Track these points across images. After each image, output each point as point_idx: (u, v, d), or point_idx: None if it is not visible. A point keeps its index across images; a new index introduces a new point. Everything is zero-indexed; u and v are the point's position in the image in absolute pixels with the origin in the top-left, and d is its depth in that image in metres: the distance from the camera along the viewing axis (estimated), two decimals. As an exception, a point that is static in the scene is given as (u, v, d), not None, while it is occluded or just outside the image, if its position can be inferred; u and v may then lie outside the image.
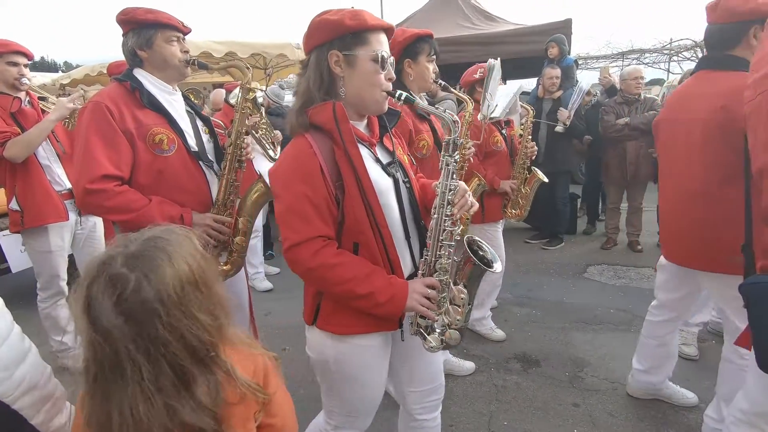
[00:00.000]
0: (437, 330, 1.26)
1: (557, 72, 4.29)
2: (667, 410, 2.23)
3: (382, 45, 1.20)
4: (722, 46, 1.73)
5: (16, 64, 2.44)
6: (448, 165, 1.21)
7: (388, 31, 1.24)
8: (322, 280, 1.19)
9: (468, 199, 1.26)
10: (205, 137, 1.87)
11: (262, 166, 3.78)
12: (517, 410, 2.29)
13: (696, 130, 1.75)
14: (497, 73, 2.49)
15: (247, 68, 1.88)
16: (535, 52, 4.73)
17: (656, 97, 5.91)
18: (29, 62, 2.54)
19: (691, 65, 9.79)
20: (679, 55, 11.06)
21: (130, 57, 1.74)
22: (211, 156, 1.86)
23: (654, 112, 4.24)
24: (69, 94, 2.90)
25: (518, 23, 5.79)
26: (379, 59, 1.18)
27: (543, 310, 3.44)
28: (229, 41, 6.26)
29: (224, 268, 1.86)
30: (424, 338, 1.26)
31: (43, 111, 2.60)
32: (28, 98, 2.56)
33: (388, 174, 1.28)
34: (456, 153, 1.21)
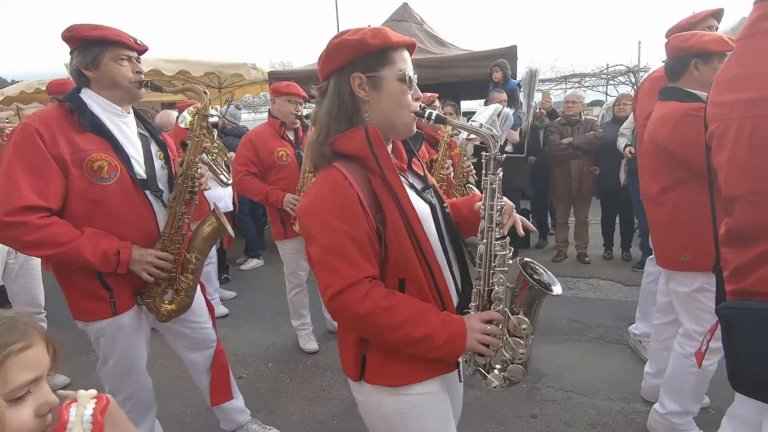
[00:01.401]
0: (497, 366, 1.14)
1: (504, 96, 4.51)
2: (617, 415, 2.34)
3: (407, 63, 1.11)
4: (672, 77, 1.98)
5: None
6: (492, 184, 1.11)
7: (411, 47, 1.14)
8: (375, 327, 1.04)
9: (516, 217, 1.18)
10: (158, 163, 1.74)
11: (215, 193, 3.66)
12: (478, 425, 2.32)
13: (643, 151, 2.11)
14: (535, 80, 2.51)
15: (205, 92, 1.78)
16: (483, 75, 4.98)
17: (595, 118, 6.36)
18: None
19: (625, 89, 10.64)
20: (615, 79, 11.97)
21: (76, 77, 1.62)
22: (162, 184, 1.73)
23: (594, 133, 4.56)
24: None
25: (467, 49, 6.06)
26: (407, 79, 1.08)
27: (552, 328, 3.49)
28: (180, 59, 6.11)
29: (169, 307, 1.75)
30: (484, 377, 1.14)
31: None
32: None
33: (425, 200, 1.17)
34: (499, 170, 1.12)
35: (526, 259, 1.16)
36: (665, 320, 2.32)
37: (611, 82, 12.45)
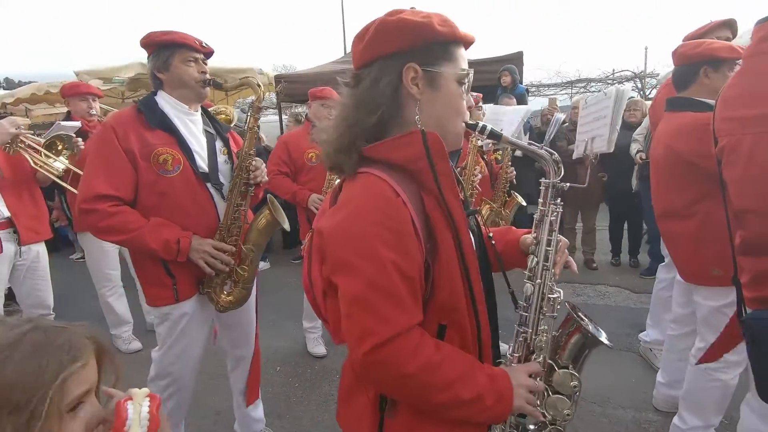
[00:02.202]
0: (531, 427, 0.99)
1: (513, 101, 4.52)
2: (629, 424, 2.32)
3: (466, 62, 0.94)
4: (681, 86, 1.95)
5: None
6: (550, 215, 0.96)
7: (469, 45, 0.97)
8: (422, 389, 0.84)
9: (567, 255, 1.04)
10: (221, 158, 1.82)
11: None
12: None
13: (659, 164, 2.01)
14: (622, 101, 2.38)
15: (258, 85, 1.83)
16: (490, 81, 5.00)
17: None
18: None
19: (631, 94, 10.63)
20: (622, 84, 11.99)
21: (152, 79, 1.76)
22: (224, 178, 1.81)
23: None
24: (10, 114, 2.71)
25: (474, 56, 6.09)
26: (466, 81, 0.93)
27: (506, 330, 3.50)
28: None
29: (228, 298, 1.80)
30: None
31: None
32: None
33: (470, 229, 0.99)
34: (558, 199, 0.97)
35: (569, 302, 1.04)
36: (682, 331, 2.29)
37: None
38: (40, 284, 2.70)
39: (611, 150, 2.55)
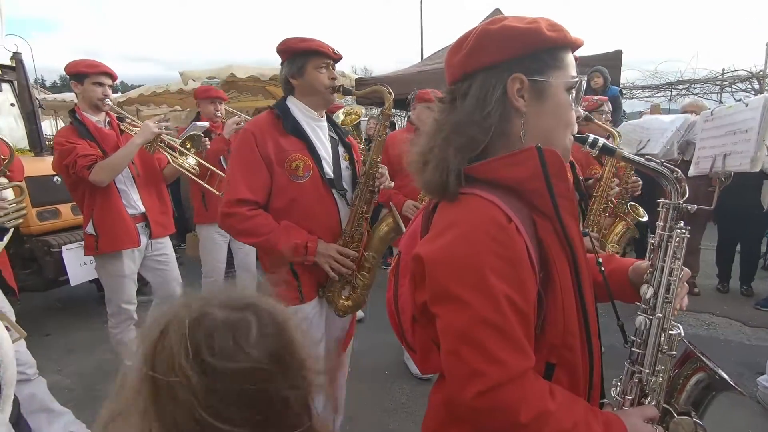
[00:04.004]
0: None
1: (609, 106, 4.17)
2: None
3: (575, 69, 0.86)
4: None
5: (101, 85, 2.45)
6: (674, 240, 0.88)
7: (576, 50, 0.89)
8: None
9: (687, 288, 0.94)
10: (344, 164, 1.86)
11: None
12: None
13: None
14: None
15: (390, 93, 1.82)
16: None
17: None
18: (113, 83, 2.57)
19: (745, 96, 9.36)
20: (733, 86, 10.58)
21: (284, 85, 1.81)
22: (347, 184, 1.85)
23: (714, 148, 4.01)
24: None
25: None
26: (577, 89, 0.85)
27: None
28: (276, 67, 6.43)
29: (346, 303, 1.84)
30: None
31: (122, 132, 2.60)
32: (107, 119, 2.58)
33: None
34: (681, 223, 0.89)
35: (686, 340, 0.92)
36: None
37: (727, 89, 11.04)
38: (167, 277, 2.82)
39: (757, 169, 2.22)
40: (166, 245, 2.79)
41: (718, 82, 10.98)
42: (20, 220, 1.96)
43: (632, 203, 2.78)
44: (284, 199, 1.71)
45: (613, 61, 4.81)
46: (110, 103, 2.51)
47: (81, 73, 2.42)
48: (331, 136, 1.86)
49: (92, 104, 2.46)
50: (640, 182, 2.76)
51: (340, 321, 1.95)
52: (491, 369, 0.72)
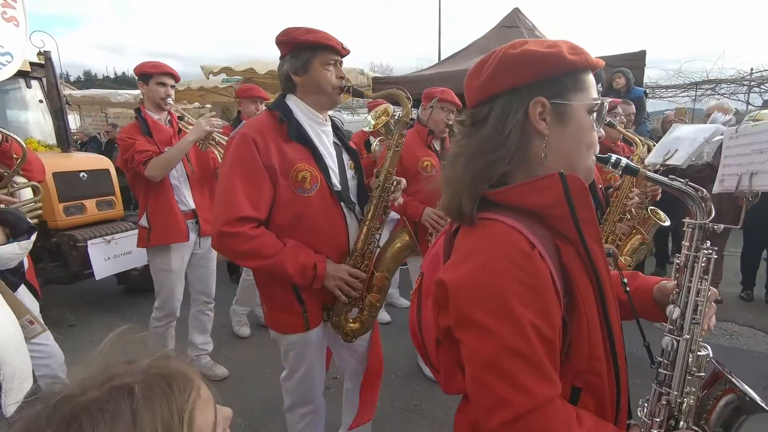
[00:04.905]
0: None
1: (632, 108, 4.07)
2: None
3: (596, 90, 0.87)
4: None
5: (164, 85, 2.52)
6: (701, 260, 0.86)
7: (596, 71, 0.89)
8: None
9: (715, 308, 0.92)
10: (349, 173, 1.69)
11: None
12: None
13: None
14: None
15: (408, 98, 1.67)
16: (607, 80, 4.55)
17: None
18: (175, 84, 2.63)
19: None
20: (762, 86, 10.24)
21: (284, 82, 1.61)
22: (353, 196, 1.68)
23: (742, 153, 3.89)
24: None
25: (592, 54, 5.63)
26: (598, 110, 0.85)
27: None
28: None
29: (353, 326, 1.69)
30: None
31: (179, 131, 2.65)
32: (168, 117, 2.65)
33: None
34: (708, 242, 0.86)
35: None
36: None
37: (755, 89, 10.69)
38: (208, 274, 2.88)
39: None
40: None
41: (745, 83, 10.63)
42: (35, 221, 1.89)
43: (652, 207, 2.71)
44: (288, 215, 1.53)
45: (636, 61, 4.70)
46: (171, 102, 2.59)
47: (146, 74, 2.50)
48: (335, 142, 1.69)
49: (155, 103, 2.55)
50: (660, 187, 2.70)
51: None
52: (517, 397, 0.71)
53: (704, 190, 0.87)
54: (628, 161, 0.87)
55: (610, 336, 0.80)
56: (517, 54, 0.81)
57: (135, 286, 4.46)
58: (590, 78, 0.85)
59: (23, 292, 2.15)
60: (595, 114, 0.85)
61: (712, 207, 0.86)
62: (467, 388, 0.79)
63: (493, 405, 0.73)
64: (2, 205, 1.66)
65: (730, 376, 0.87)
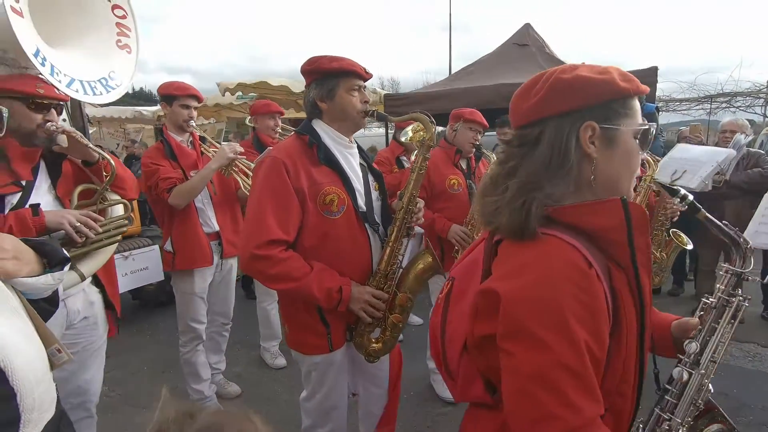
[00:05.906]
0: None
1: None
2: None
3: (641, 116, 0.89)
4: None
5: (187, 107, 2.52)
6: (733, 307, 0.89)
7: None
8: None
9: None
10: (374, 194, 1.72)
11: None
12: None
13: None
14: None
15: (432, 122, 1.69)
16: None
17: (763, 152, 5.35)
18: (198, 105, 2.63)
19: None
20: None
21: (311, 108, 1.66)
22: (377, 217, 1.71)
23: (761, 170, 3.80)
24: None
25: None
26: (642, 135, 0.87)
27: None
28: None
29: (376, 346, 1.69)
30: None
31: (202, 153, 2.64)
32: (191, 138, 2.65)
33: None
34: (739, 290, 0.90)
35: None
36: None
37: (772, 102, 10.53)
38: (228, 295, 2.88)
39: None
40: (232, 265, 2.83)
41: (762, 95, 10.48)
42: (115, 239, 1.81)
43: (674, 230, 2.68)
44: (315, 237, 1.56)
45: (648, 77, 4.67)
46: (194, 125, 2.60)
47: (170, 95, 2.51)
48: (360, 164, 1.73)
49: (177, 125, 2.55)
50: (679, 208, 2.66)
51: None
52: (567, 414, 0.72)
53: (750, 242, 0.90)
54: (693, 199, 0.90)
55: (642, 363, 0.83)
56: (569, 79, 0.83)
57: (149, 301, 4.50)
58: (637, 103, 0.87)
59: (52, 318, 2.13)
60: (639, 138, 0.87)
61: (752, 260, 0.89)
62: (507, 401, 0.80)
63: (539, 419, 0.74)
64: (79, 224, 1.60)
65: (722, 414, 0.94)
